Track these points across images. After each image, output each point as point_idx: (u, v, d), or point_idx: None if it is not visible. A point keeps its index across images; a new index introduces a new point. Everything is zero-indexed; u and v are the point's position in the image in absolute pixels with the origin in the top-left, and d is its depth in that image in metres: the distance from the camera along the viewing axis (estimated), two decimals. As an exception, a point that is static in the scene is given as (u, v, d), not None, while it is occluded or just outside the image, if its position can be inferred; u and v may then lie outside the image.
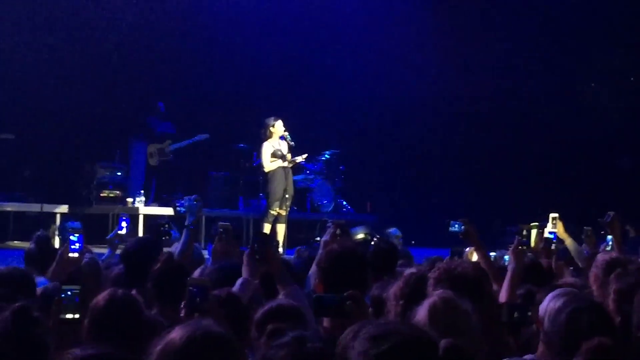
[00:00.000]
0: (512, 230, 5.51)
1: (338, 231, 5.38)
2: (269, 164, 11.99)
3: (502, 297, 4.52)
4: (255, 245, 4.45)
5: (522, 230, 5.28)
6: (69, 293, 3.44)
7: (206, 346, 2.60)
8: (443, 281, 3.72)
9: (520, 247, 5.02)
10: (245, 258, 4.44)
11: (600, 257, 5.56)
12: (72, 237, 4.84)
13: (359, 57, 16.78)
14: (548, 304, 3.70)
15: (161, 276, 4.60)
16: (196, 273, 5.65)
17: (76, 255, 4.82)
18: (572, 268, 5.99)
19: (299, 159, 12.31)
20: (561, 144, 16.91)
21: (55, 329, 3.34)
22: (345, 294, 3.29)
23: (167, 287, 4.51)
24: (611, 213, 6.32)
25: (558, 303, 3.62)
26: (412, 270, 5.33)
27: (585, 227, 6.90)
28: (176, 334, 2.64)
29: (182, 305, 3.61)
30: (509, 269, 4.81)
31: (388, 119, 17.20)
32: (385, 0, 17.09)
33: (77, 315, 3.43)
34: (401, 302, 3.76)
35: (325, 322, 3.59)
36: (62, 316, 3.41)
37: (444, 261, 4.72)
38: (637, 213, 14.00)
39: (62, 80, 14.53)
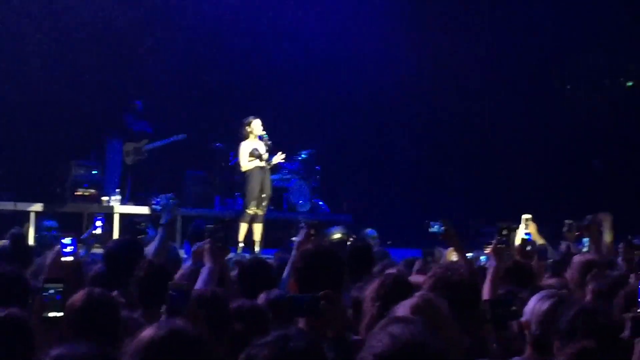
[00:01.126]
0: (487, 231, 5.52)
1: (312, 231, 5.40)
2: (246, 164, 11.96)
3: (485, 297, 4.53)
4: (216, 233, 4.83)
5: (502, 230, 5.29)
6: (51, 291, 3.41)
7: (173, 344, 2.64)
8: (438, 289, 3.71)
9: (499, 246, 5.05)
10: (207, 247, 4.67)
11: (577, 258, 5.61)
12: (63, 240, 4.49)
13: (336, 56, 16.78)
14: (534, 306, 3.72)
15: (144, 281, 4.60)
16: (178, 274, 5.66)
17: (70, 259, 4.54)
18: (549, 266, 6.02)
19: (277, 159, 12.27)
20: (537, 145, 17.02)
21: (37, 327, 3.32)
22: (319, 294, 3.28)
23: (150, 290, 4.52)
24: (589, 216, 6.37)
25: (545, 305, 3.64)
26: (391, 271, 5.37)
27: (566, 220, 6.94)
28: (145, 332, 2.70)
29: (162, 310, 3.61)
30: (490, 268, 4.83)
31: (364, 118, 17.21)
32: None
33: (60, 314, 3.40)
34: (377, 303, 3.76)
35: (301, 322, 3.58)
36: (44, 314, 3.38)
37: (438, 266, 4.71)
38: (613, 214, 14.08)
39: (38, 77, 14.43)
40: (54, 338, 3.29)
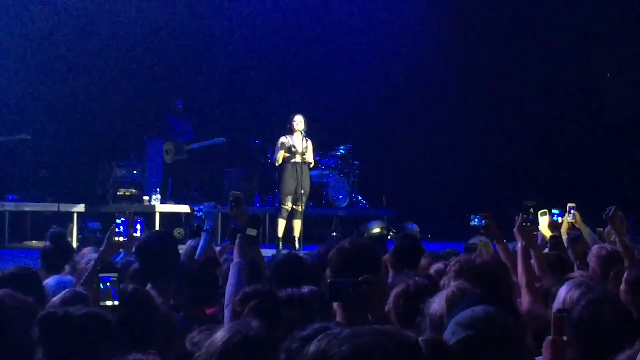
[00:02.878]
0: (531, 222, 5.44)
1: (233, 204, 5.43)
2: (276, 157, 11.96)
3: (521, 279, 4.51)
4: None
5: (528, 208, 5.24)
6: (106, 281, 3.45)
7: (244, 349, 2.76)
8: (463, 273, 3.74)
9: (525, 224, 5.01)
10: (236, 242, 4.79)
11: (595, 250, 5.56)
12: (117, 220, 4.96)
13: (373, 51, 16.78)
14: (565, 296, 3.71)
15: (196, 281, 4.66)
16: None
17: (121, 238, 4.94)
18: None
19: (309, 157, 12.10)
20: (580, 134, 16.86)
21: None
22: (360, 278, 3.27)
23: (200, 291, 4.59)
24: (612, 207, 6.28)
25: (576, 294, 3.62)
26: (439, 265, 5.37)
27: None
28: (218, 335, 2.85)
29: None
30: (518, 248, 4.81)
31: (402, 112, 17.17)
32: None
33: (115, 302, 3.43)
34: (401, 300, 3.79)
35: (339, 316, 3.60)
36: (101, 303, 3.41)
37: (462, 255, 4.72)
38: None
39: (78, 79, 14.61)
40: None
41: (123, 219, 4.98)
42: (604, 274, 5.11)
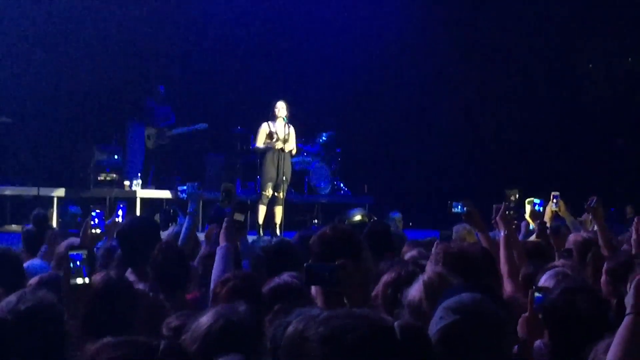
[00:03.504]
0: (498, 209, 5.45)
1: (223, 194, 5.59)
2: (259, 144, 11.92)
3: (503, 268, 4.52)
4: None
5: (509, 196, 5.25)
6: (76, 259, 3.41)
7: (228, 332, 2.82)
8: (445, 261, 3.75)
9: (507, 213, 5.02)
10: (224, 226, 4.84)
11: (572, 237, 5.58)
12: (92, 212, 5.00)
13: (356, 39, 16.76)
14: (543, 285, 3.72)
15: (162, 266, 4.63)
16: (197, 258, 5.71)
17: (97, 230, 5.00)
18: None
19: (290, 145, 12.08)
20: (560, 124, 16.93)
21: (66, 295, 3.34)
22: (337, 263, 3.27)
23: (169, 275, 4.55)
24: (594, 198, 6.32)
25: (551, 284, 3.64)
26: (412, 253, 5.38)
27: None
28: (202, 320, 2.91)
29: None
30: (501, 236, 4.81)
31: (385, 100, 17.19)
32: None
33: (86, 280, 3.40)
34: (389, 290, 3.79)
35: (319, 301, 3.58)
36: (71, 282, 3.38)
37: (440, 242, 4.72)
38: (636, 194, 14.05)
39: (59, 62, 14.50)
40: (82, 305, 3.32)
41: (98, 211, 4.95)
42: (581, 260, 5.13)
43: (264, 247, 5.70)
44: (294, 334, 1.92)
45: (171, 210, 12.89)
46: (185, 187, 9.26)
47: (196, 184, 6.65)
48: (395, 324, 1.92)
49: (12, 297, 3.04)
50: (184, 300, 4.68)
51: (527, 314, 3.13)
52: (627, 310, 2.62)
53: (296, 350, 1.90)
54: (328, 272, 3.22)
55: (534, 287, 3.26)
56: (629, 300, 2.59)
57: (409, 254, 5.53)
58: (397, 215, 11.74)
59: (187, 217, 6.29)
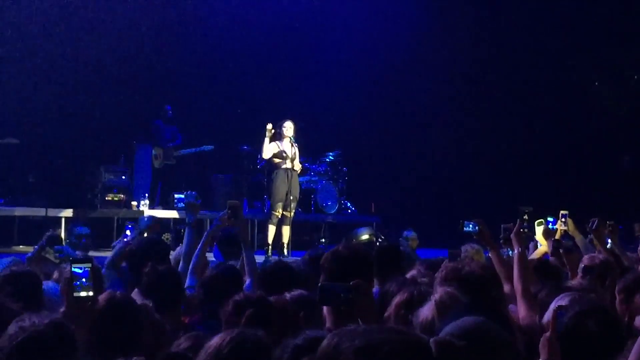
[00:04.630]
0: (507, 229, 5.45)
1: (230, 212, 5.70)
2: (266, 154, 11.90)
3: (517, 286, 4.49)
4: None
5: (523, 214, 5.22)
6: (79, 271, 3.33)
7: (238, 354, 2.79)
8: (450, 280, 3.74)
9: (521, 230, 4.99)
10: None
11: (588, 258, 5.55)
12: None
13: (363, 59, 16.80)
14: (553, 307, 3.69)
15: (151, 288, 4.59)
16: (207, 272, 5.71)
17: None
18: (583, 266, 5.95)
19: (297, 165, 12.07)
20: (566, 143, 16.91)
21: (70, 307, 3.30)
22: (351, 283, 3.26)
23: (159, 297, 4.51)
24: (595, 219, 6.33)
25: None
26: (413, 272, 5.38)
27: (607, 222, 6.88)
28: (212, 341, 2.88)
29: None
30: (514, 254, 4.78)
31: (391, 120, 17.20)
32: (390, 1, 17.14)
33: (90, 293, 3.32)
34: (402, 311, 3.78)
35: (328, 321, 3.58)
36: (76, 294, 3.31)
37: (448, 262, 4.71)
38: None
39: (67, 84, 14.56)
40: (86, 319, 3.29)
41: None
42: (598, 280, 5.10)
43: (262, 266, 5.70)
44: (327, 347, 1.91)
45: (182, 230, 12.89)
46: (182, 196, 9.12)
47: (194, 193, 6.51)
48: (431, 340, 1.93)
49: (34, 318, 3.04)
50: (179, 321, 4.64)
51: (548, 334, 3.08)
52: None
53: None
54: (342, 291, 3.21)
55: (557, 306, 3.22)
56: None
57: (410, 272, 5.53)
58: (411, 234, 11.66)
59: (186, 229, 6.23)
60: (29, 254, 5.75)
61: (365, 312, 3.25)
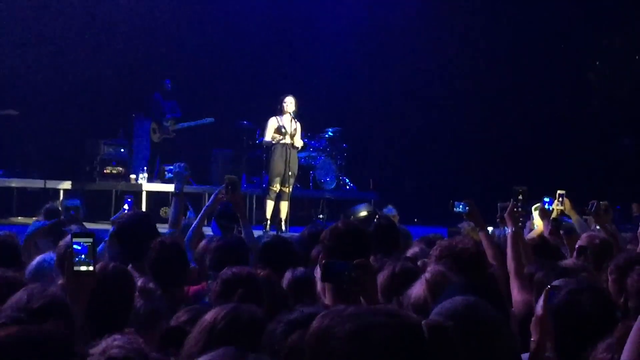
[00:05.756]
0: (503, 207, 5.45)
1: (229, 186, 5.80)
2: (268, 138, 11.91)
3: (510, 265, 4.50)
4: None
5: (518, 194, 5.22)
6: (79, 246, 3.32)
7: (233, 328, 2.81)
8: (444, 258, 3.76)
9: (515, 210, 5.00)
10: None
11: (587, 237, 5.55)
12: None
13: (362, 35, 16.75)
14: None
15: (157, 263, 4.61)
16: (201, 245, 5.72)
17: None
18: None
19: (298, 141, 12.05)
20: (564, 124, 16.91)
21: (70, 281, 3.31)
22: (354, 262, 3.26)
23: (165, 272, 4.53)
24: (594, 202, 6.34)
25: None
26: (414, 250, 5.39)
27: (600, 202, 6.89)
28: (207, 315, 2.90)
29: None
30: (508, 233, 4.79)
31: (391, 97, 17.19)
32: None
33: (90, 268, 3.31)
34: (387, 291, 3.80)
35: (328, 298, 3.59)
36: (75, 268, 3.30)
37: (444, 239, 4.73)
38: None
39: (66, 56, 14.53)
40: (86, 293, 3.29)
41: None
42: (596, 261, 5.11)
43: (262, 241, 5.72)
44: (318, 329, 1.88)
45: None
46: (172, 167, 9.16)
47: (182, 164, 6.62)
48: (423, 322, 1.91)
49: (23, 295, 3.04)
50: (183, 295, 4.67)
51: (540, 313, 3.08)
52: None
53: (321, 347, 1.87)
54: (347, 270, 3.23)
55: (549, 287, 3.22)
56: None
57: (411, 250, 5.54)
58: (392, 212, 11.37)
59: (173, 198, 6.29)
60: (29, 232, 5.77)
61: (369, 291, 3.25)
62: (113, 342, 2.51)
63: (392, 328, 1.85)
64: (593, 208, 6.27)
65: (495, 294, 3.11)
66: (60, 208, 9.69)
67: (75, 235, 3.40)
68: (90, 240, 3.36)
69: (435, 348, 1.86)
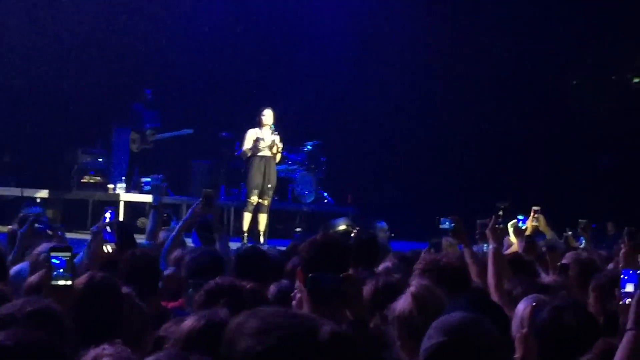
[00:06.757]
0: (483, 224, 5.49)
1: (204, 200, 5.88)
2: (245, 149, 11.92)
3: (490, 281, 4.52)
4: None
5: (500, 210, 5.27)
6: (57, 260, 3.32)
7: (209, 334, 2.82)
8: (428, 272, 3.77)
9: (496, 226, 5.03)
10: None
11: (571, 255, 5.58)
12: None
13: (341, 49, 16.78)
14: (517, 309, 3.71)
15: (129, 274, 4.57)
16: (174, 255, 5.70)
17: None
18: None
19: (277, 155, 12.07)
20: (544, 141, 17.01)
21: (47, 295, 3.27)
22: (342, 275, 3.28)
23: (137, 283, 4.49)
24: (583, 220, 6.40)
25: (526, 308, 3.63)
26: (386, 264, 5.41)
27: (580, 220, 6.94)
28: (186, 322, 2.96)
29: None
30: (490, 249, 4.82)
31: (370, 111, 17.21)
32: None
33: (68, 282, 3.32)
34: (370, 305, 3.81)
35: (306, 307, 3.57)
36: (53, 282, 3.30)
37: (427, 253, 4.74)
38: (618, 210, 14.14)
39: (45, 64, 14.46)
40: (65, 307, 3.27)
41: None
42: (579, 279, 5.12)
43: (236, 252, 5.72)
44: (235, 324, 2.12)
45: (165, 215, 12.85)
46: (149, 180, 9.18)
47: (160, 176, 6.69)
48: (324, 328, 2.07)
49: (18, 300, 3.02)
50: (158, 306, 4.63)
51: (524, 330, 3.08)
52: (628, 326, 2.62)
53: (233, 341, 2.08)
54: (333, 283, 3.24)
55: (534, 304, 3.23)
56: (630, 316, 2.60)
57: (382, 265, 5.55)
58: (383, 225, 11.64)
59: (151, 211, 6.29)
60: (22, 229, 5.71)
61: (355, 304, 3.27)
62: (102, 351, 2.52)
63: (289, 329, 2.06)
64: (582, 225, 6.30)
65: (499, 312, 3.12)
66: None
67: (53, 249, 3.40)
68: (69, 254, 3.36)
69: (330, 350, 2.03)
